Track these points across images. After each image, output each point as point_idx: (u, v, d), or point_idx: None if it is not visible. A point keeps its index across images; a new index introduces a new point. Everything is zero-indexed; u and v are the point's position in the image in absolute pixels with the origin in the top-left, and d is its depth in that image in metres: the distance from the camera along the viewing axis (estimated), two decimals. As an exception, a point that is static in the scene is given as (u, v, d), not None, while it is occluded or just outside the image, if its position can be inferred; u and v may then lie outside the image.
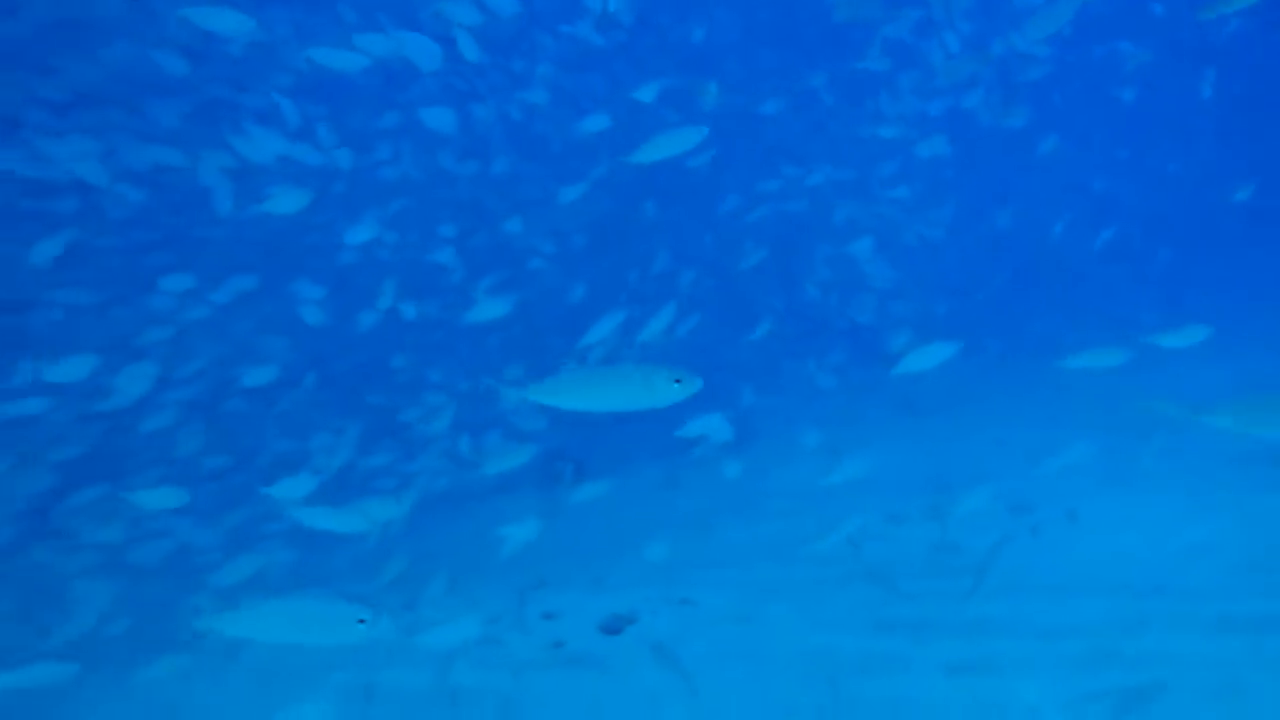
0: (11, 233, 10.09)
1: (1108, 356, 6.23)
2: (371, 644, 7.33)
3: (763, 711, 5.34)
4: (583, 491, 12.33)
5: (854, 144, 16.90)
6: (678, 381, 3.66)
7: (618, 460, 15.65)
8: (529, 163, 13.91)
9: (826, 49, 17.56)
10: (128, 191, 9.78)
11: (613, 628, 6.94)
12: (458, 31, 8.04)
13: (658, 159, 5.22)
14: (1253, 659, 5.21)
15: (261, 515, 10.43)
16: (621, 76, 14.91)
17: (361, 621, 3.55)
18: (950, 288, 19.70)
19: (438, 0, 7.51)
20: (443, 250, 11.12)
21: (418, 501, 11.94)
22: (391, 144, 12.45)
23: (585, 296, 15.67)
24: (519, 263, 13.67)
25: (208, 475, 10.57)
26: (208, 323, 10.72)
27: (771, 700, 5.48)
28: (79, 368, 7.18)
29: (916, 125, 14.91)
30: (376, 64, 10.85)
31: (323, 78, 11.92)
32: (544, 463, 14.27)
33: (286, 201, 7.04)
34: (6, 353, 9.85)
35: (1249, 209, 22.76)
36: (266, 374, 9.47)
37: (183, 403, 10.64)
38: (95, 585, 8.13)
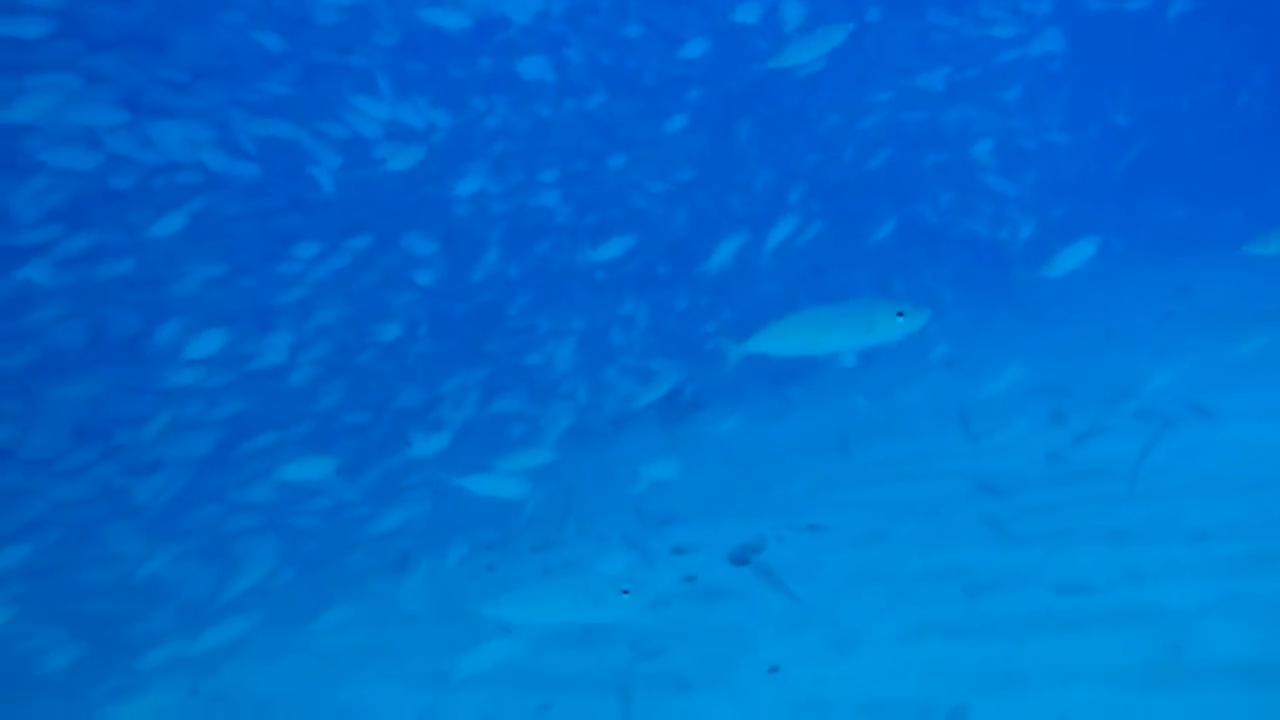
0: (141, 211, 10.61)
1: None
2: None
3: (900, 632, 5.38)
4: (705, 422, 12.47)
5: (960, 48, 16.20)
6: (901, 315, 3.45)
7: (734, 390, 15.73)
8: (625, 100, 13.85)
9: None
10: (244, 165, 10.15)
11: (741, 558, 6.97)
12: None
13: (802, 61, 5.07)
14: None
15: (402, 467, 10.89)
16: (712, 5, 14.62)
17: (625, 593, 3.74)
18: (1068, 188, 18.86)
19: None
20: (548, 194, 11.22)
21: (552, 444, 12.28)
22: (489, 95, 12.55)
23: (695, 225, 15.63)
24: (624, 200, 13.71)
25: (349, 431, 11.10)
26: (334, 283, 11.14)
27: (908, 619, 5.50)
28: (213, 341, 7.58)
29: (1026, 22, 14.13)
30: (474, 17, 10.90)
31: (421, 35, 12.07)
32: (665, 397, 14.46)
33: (402, 158, 7.25)
34: (152, 323, 10.50)
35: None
36: (393, 330, 9.83)
37: (319, 361, 11.12)
38: (261, 541, 8.69)
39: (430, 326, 12.34)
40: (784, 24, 8.07)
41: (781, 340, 3.59)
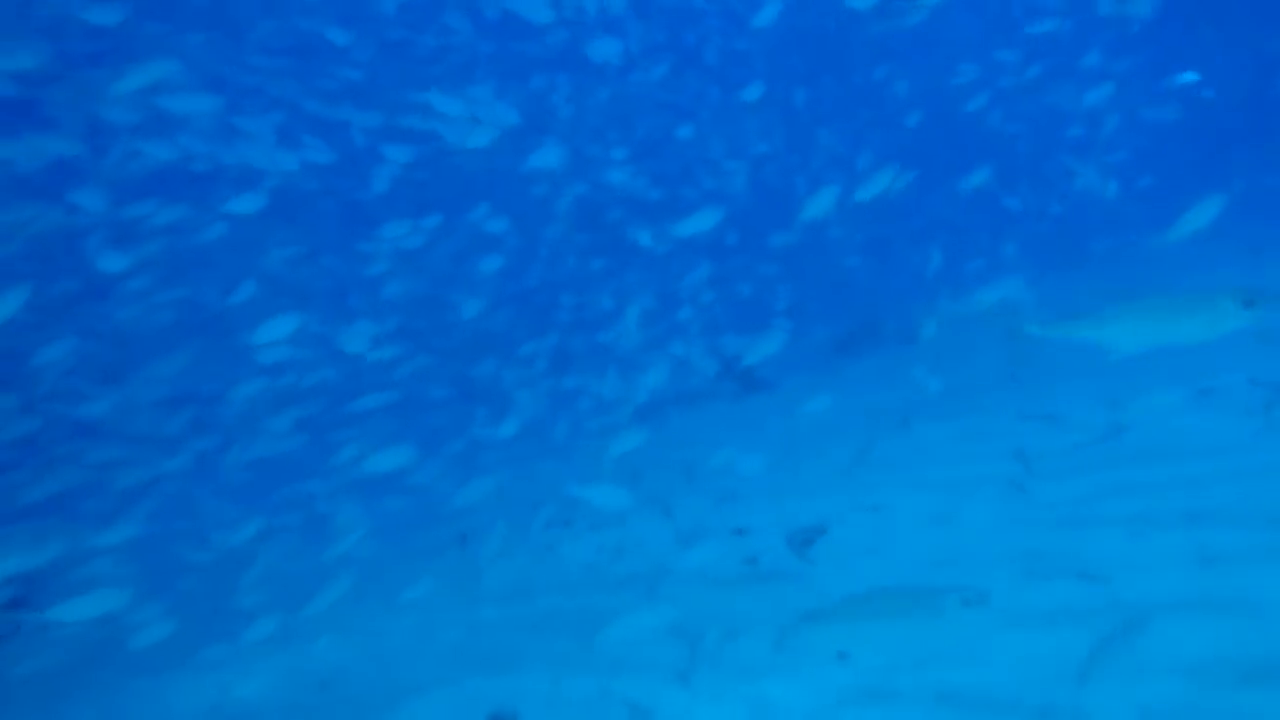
0: (222, 189, 10.94)
1: None
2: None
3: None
4: (768, 398, 12.42)
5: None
6: (1250, 304, 3.03)
7: (796, 364, 15.65)
8: (696, 71, 13.75)
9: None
10: (320, 152, 10.38)
11: (803, 540, 6.85)
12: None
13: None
14: None
15: (477, 444, 11.13)
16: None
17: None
18: (1155, 157, 18.20)
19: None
20: (619, 170, 11.27)
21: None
22: (558, 76, 12.60)
23: (762, 196, 15.51)
24: (697, 175, 13.68)
25: (429, 406, 11.38)
26: (413, 259, 11.37)
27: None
28: (295, 320, 7.81)
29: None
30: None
31: (491, 15, 12.16)
32: (732, 371, 14.48)
33: (477, 137, 7.38)
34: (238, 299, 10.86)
35: None
36: (472, 305, 10.02)
37: (399, 336, 11.40)
38: (352, 509, 8.98)
39: (504, 302, 12.53)
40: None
41: (1110, 331, 3.26)
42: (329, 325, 10.13)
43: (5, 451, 9.65)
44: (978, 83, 11.91)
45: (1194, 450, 6.82)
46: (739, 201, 14.35)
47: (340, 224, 12.52)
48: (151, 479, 9.87)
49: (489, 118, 9.11)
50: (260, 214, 10.32)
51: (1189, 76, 17.00)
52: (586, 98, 12.55)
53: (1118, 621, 4.84)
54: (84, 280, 9.96)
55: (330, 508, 9.55)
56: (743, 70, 14.24)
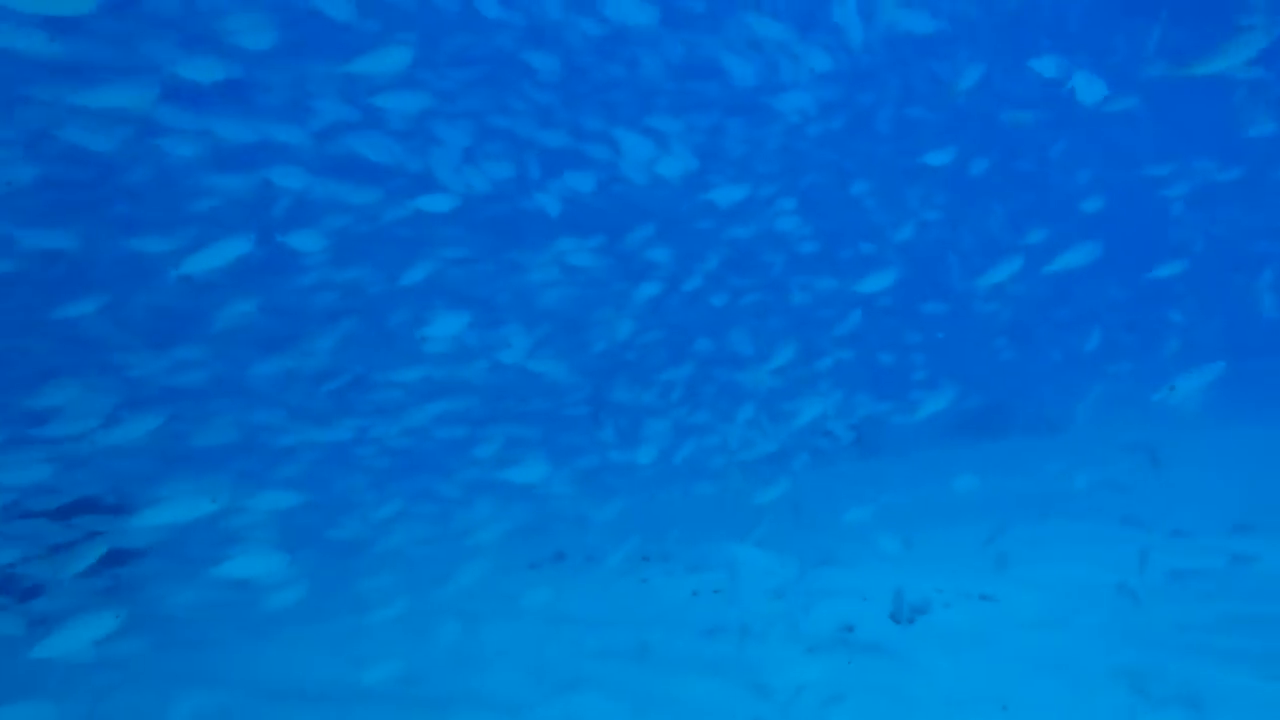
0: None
1: None
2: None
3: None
4: (889, 462, 12.19)
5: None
6: None
7: (911, 436, 15.34)
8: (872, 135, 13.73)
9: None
10: (501, 165, 10.75)
11: (903, 616, 6.68)
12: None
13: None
14: None
15: (606, 462, 11.30)
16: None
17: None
18: None
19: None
20: (786, 219, 11.32)
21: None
22: (736, 118, 12.80)
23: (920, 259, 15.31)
24: (875, 231, 13.63)
25: (566, 423, 11.61)
26: (574, 278, 11.67)
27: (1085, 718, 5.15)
28: (454, 322, 8.10)
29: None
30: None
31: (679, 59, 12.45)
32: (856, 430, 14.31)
33: (671, 166, 7.59)
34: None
35: None
36: (625, 327, 10.20)
37: (544, 347, 11.69)
38: (486, 506, 9.23)
39: (650, 328, 12.70)
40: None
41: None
42: (486, 329, 10.48)
43: (175, 400, 10.23)
44: (1171, 176, 11.53)
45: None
46: (900, 264, 14.22)
47: (508, 234, 12.94)
48: (301, 448, 10.37)
49: (669, 160, 9.34)
50: (443, 214, 10.79)
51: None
52: (761, 143, 12.68)
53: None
54: (269, 251, 10.53)
55: (464, 500, 9.84)
56: (922, 134, 14.18)
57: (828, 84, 10.94)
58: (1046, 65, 7.32)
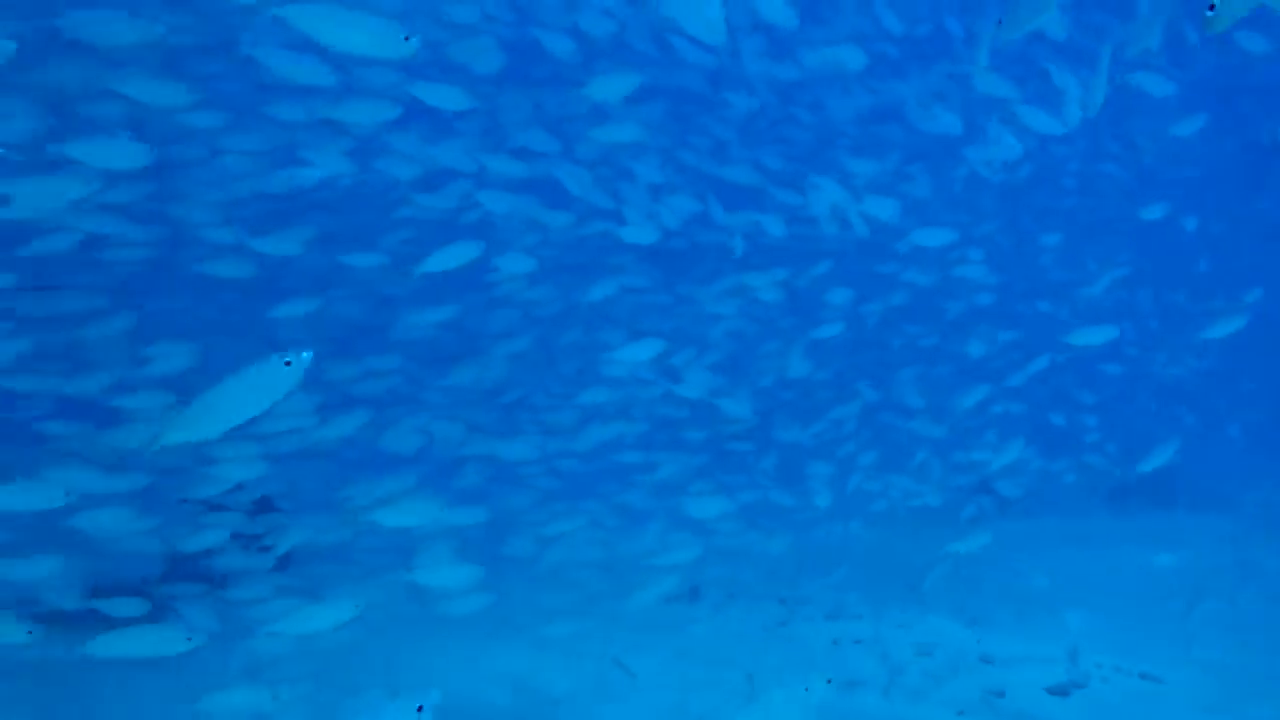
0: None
1: None
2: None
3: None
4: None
5: None
6: None
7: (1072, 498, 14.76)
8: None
9: None
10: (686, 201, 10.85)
11: (1062, 690, 6.47)
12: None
13: None
14: None
15: (765, 502, 11.24)
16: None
17: None
18: None
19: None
20: (971, 267, 11.11)
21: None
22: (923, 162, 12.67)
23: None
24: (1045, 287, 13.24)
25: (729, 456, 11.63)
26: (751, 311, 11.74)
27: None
28: (647, 349, 8.24)
29: None
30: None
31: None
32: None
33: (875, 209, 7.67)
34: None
35: None
36: (801, 367, 10.15)
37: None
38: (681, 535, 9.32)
39: (821, 370, 12.63)
40: None
41: None
42: (665, 358, 10.60)
43: (366, 404, 10.66)
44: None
45: None
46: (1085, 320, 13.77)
47: (680, 267, 13.11)
48: (473, 460, 10.67)
49: (864, 212, 9.34)
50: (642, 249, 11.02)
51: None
52: (948, 187, 12.49)
53: None
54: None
55: (630, 528, 9.99)
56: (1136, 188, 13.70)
57: (1029, 136, 10.73)
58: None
